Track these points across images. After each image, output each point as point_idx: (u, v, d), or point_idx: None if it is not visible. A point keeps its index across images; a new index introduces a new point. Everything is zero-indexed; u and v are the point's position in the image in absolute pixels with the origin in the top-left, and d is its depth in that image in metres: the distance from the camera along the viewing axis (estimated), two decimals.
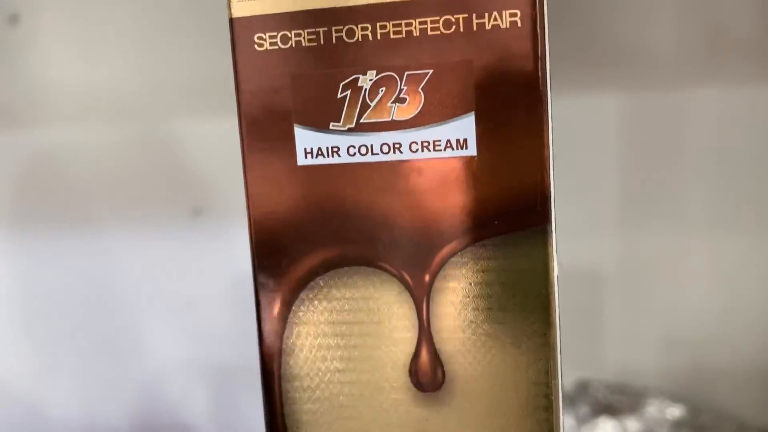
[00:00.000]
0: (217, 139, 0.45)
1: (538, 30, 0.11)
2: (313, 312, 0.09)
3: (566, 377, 0.44)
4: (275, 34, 0.08)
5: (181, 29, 0.43)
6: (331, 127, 0.09)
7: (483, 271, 0.08)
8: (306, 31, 0.08)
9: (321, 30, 0.08)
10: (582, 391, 0.41)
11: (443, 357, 0.08)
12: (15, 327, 0.48)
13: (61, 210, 0.45)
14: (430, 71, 0.08)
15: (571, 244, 0.44)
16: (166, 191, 0.45)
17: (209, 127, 0.44)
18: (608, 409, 0.40)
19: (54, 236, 0.46)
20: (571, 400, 0.40)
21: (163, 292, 0.47)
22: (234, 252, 0.46)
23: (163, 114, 0.44)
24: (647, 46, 0.42)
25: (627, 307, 0.46)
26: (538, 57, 0.10)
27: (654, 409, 0.42)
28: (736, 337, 0.46)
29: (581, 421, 0.39)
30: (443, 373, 0.08)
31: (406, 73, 0.08)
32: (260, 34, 0.08)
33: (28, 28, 0.42)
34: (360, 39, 0.08)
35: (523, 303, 0.08)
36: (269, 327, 0.09)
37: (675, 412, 0.42)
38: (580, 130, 0.43)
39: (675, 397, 0.43)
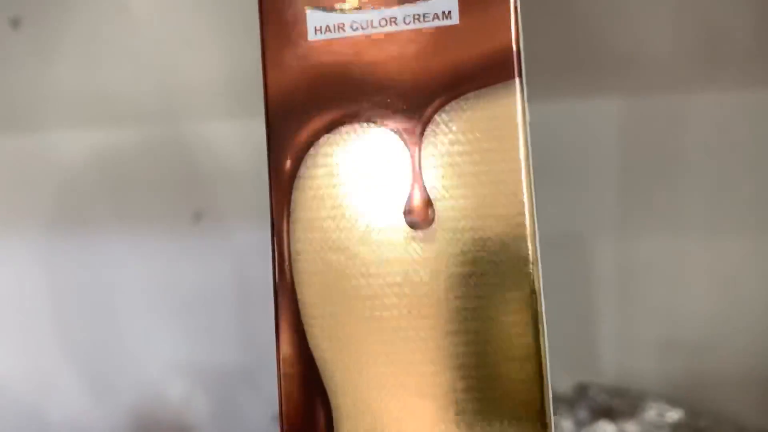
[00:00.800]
0: (218, 144, 0.45)
1: None
2: (317, 167, 0.10)
3: (565, 381, 0.45)
4: None
5: (184, 34, 0.43)
6: (336, 7, 0.11)
7: (465, 121, 0.10)
8: None
9: None
10: (581, 395, 0.41)
11: (433, 196, 0.10)
12: (15, 330, 0.48)
13: (62, 213, 0.46)
14: None
15: (570, 247, 0.45)
16: (167, 196, 0.45)
17: (211, 132, 0.44)
18: (607, 412, 0.40)
19: (55, 239, 0.46)
20: (570, 404, 0.40)
21: (164, 296, 0.47)
22: (235, 256, 0.46)
23: (165, 118, 0.44)
24: (645, 51, 0.42)
25: (626, 310, 0.47)
26: None
27: (653, 412, 0.42)
28: (735, 340, 0.46)
29: (580, 424, 0.39)
30: (433, 211, 0.10)
31: None
32: None
33: (30, 31, 0.42)
34: None
35: (498, 146, 0.10)
36: (278, 189, 0.10)
37: (674, 415, 0.42)
38: (578, 134, 0.44)
39: (674, 401, 0.43)
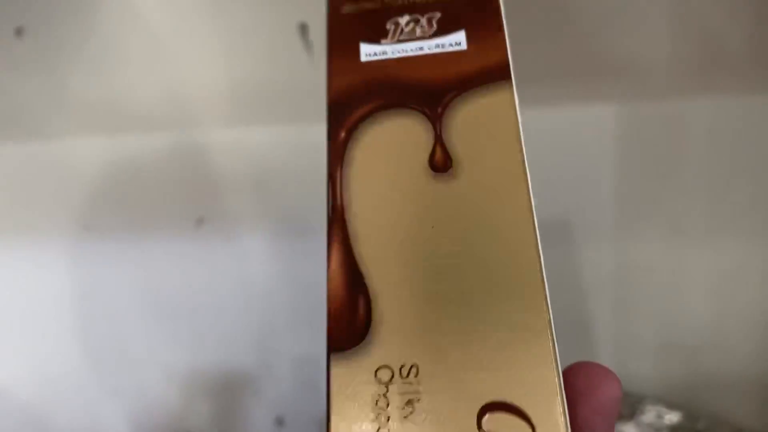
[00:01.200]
0: (221, 149, 0.45)
1: None
2: (363, 137, 0.15)
3: None
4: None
5: (188, 43, 0.43)
6: (381, 42, 0.16)
7: (475, 106, 0.15)
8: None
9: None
10: None
11: (451, 152, 0.14)
12: (19, 334, 0.48)
13: (64, 217, 0.46)
14: (439, 13, 0.16)
15: (568, 252, 0.45)
16: (172, 201, 0.45)
17: (212, 137, 0.45)
18: None
19: (56, 243, 0.46)
20: None
21: (166, 299, 0.47)
22: (238, 261, 0.46)
23: (167, 123, 0.44)
24: (642, 58, 0.43)
25: (624, 314, 0.47)
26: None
27: (652, 415, 0.42)
28: (733, 343, 0.46)
29: None
30: (451, 160, 0.14)
31: (426, 15, 0.16)
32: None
33: (34, 40, 0.43)
34: (403, 2, 0.17)
35: (494, 130, 0.14)
36: (334, 151, 0.14)
37: (672, 418, 0.42)
38: (577, 141, 0.44)
39: (672, 404, 0.44)
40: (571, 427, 0.11)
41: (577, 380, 0.12)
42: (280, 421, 0.50)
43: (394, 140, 0.14)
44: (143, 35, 0.43)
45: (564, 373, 0.12)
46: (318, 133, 0.44)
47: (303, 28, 0.42)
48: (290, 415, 0.49)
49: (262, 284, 0.47)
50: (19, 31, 0.43)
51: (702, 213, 0.45)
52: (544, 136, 0.44)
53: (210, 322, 0.48)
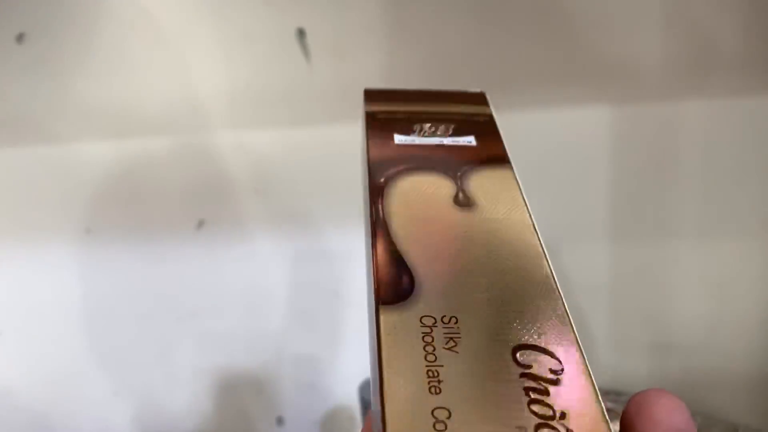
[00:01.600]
0: (222, 152, 0.45)
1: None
2: (399, 182, 0.19)
3: None
4: (390, 110, 0.23)
5: (187, 45, 0.44)
6: (411, 134, 0.21)
7: (485, 173, 0.19)
8: (402, 111, 0.23)
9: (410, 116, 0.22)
10: None
11: (471, 196, 0.18)
12: (22, 335, 0.48)
13: (67, 220, 0.46)
14: (454, 124, 0.22)
15: (564, 253, 0.45)
16: (173, 203, 0.45)
17: (213, 140, 0.45)
18: None
19: (59, 246, 0.46)
20: None
21: (168, 301, 0.48)
22: (239, 263, 0.47)
23: (168, 127, 0.45)
24: (636, 61, 0.43)
25: (619, 314, 0.47)
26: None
27: None
28: (726, 342, 0.47)
29: None
30: (471, 200, 0.18)
31: (444, 124, 0.22)
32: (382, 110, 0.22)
33: (35, 46, 0.43)
34: (426, 116, 0.22)
35: (501, 184, 0.19)
36: (374, 190, 0.18)
37: None
38: (571, 143, 0.44)
39: None
40: None
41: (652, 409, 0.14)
42: (280, 421, 0.50)
43: (424, 186, 0.18)
44: (144, 41, 0.43)
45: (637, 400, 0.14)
46: (317, 136, 0.45)
47: (301, 33, 0.43)
48: (290, 415, 0.50)
49: (262, 286, 0.47)
50: (20, 38, 0.43)
51: (696, 214, 0.45)
52: (540, 138, 0.44)
53: (212, 323, 0.48)
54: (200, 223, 0.46)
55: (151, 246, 0.46)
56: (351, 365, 0.48)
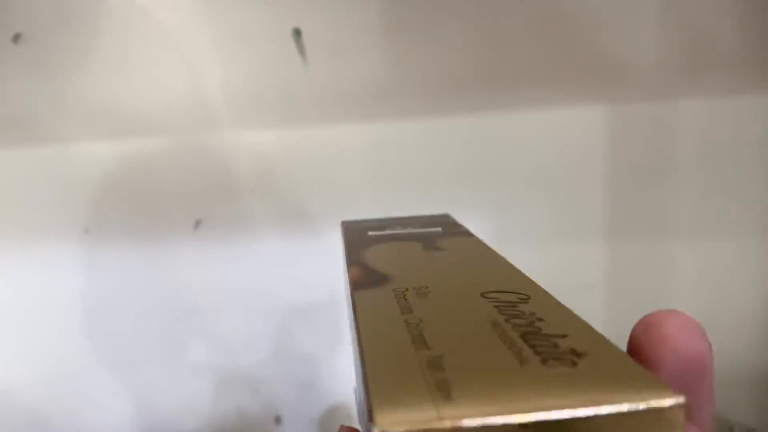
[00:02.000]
0: (220, 152, 0.46)
1: None
2: (374, 245, 0.21)
3: None
4: (365, 226, 0.25)
5: (184, 45, 0.44)
6: (383, 231, 0.23)
7: (449, 239, 0.21)
8: (375, 225, 0.25)
9: None
10: None
11: (440, 246, 0.20)
12: (21, 335, 0.48)
13: (65, 220, 0.46)
14: (422, 224, 0.25)
15: (560, 252, 0.46)
16: (171, 203, 0.45)
17: (211, 140, 0.45)
18: None
19: (58, 246, 0.47)
20: None
21: (167, 301, 0.48)
22: (236, 262, 0.47)
23: (166, 127, 0.45)
24: (632, 60, 0.43)
25: (614, 313, 0.47)
26: None
27: None
28: (722, 341, 0.47)
29: None
30: (440, 249, 0.20)
31: (413, 225, 0.25)
32: None
33: (31, 46, 0.43)
34: (398, 230, 0.24)
35: (468, 240, 0.21)
36: (350, 249, 0.20)
37: None
38: (568, 142, 0.44)
39: None
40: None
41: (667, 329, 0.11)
42: (278, 420, 0.50)
43: (397, 245, 0.21)
44: (142, 41, 0.43)
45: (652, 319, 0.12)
46: (314, 136, 0.45)
47: (297, 33, 0.43)
48: (288, 414, 0.50)
49: (260, 285, 0.47)
50: (16, 38, 0.43)
51: (692, 212, 0.45)
52: (536, 136, 0.44)
53: (210, 322, 0.48)
54: (198, 223, 0.46)
55: (149, 245, 0.46)
56: (349, 364, 0.48)
